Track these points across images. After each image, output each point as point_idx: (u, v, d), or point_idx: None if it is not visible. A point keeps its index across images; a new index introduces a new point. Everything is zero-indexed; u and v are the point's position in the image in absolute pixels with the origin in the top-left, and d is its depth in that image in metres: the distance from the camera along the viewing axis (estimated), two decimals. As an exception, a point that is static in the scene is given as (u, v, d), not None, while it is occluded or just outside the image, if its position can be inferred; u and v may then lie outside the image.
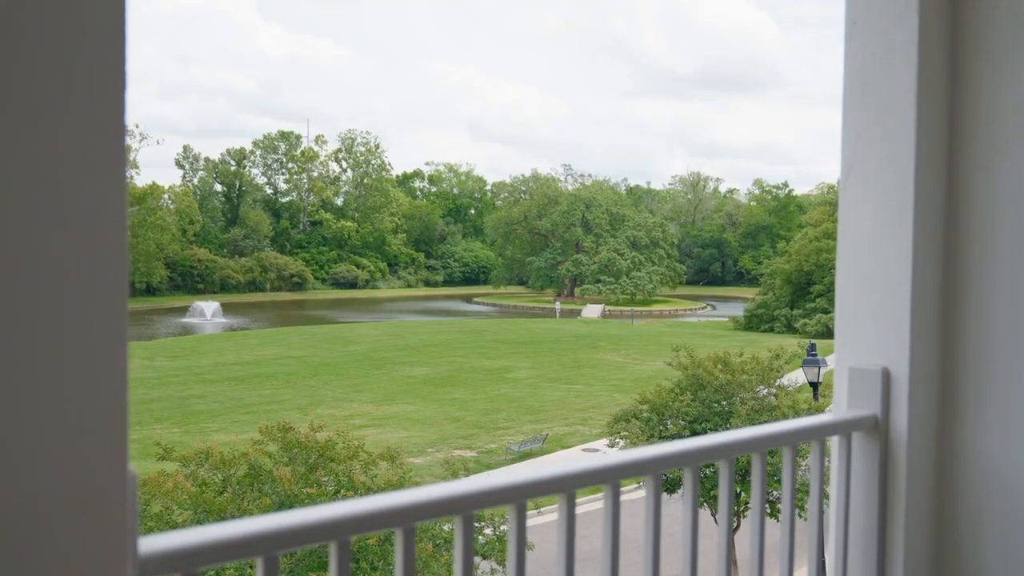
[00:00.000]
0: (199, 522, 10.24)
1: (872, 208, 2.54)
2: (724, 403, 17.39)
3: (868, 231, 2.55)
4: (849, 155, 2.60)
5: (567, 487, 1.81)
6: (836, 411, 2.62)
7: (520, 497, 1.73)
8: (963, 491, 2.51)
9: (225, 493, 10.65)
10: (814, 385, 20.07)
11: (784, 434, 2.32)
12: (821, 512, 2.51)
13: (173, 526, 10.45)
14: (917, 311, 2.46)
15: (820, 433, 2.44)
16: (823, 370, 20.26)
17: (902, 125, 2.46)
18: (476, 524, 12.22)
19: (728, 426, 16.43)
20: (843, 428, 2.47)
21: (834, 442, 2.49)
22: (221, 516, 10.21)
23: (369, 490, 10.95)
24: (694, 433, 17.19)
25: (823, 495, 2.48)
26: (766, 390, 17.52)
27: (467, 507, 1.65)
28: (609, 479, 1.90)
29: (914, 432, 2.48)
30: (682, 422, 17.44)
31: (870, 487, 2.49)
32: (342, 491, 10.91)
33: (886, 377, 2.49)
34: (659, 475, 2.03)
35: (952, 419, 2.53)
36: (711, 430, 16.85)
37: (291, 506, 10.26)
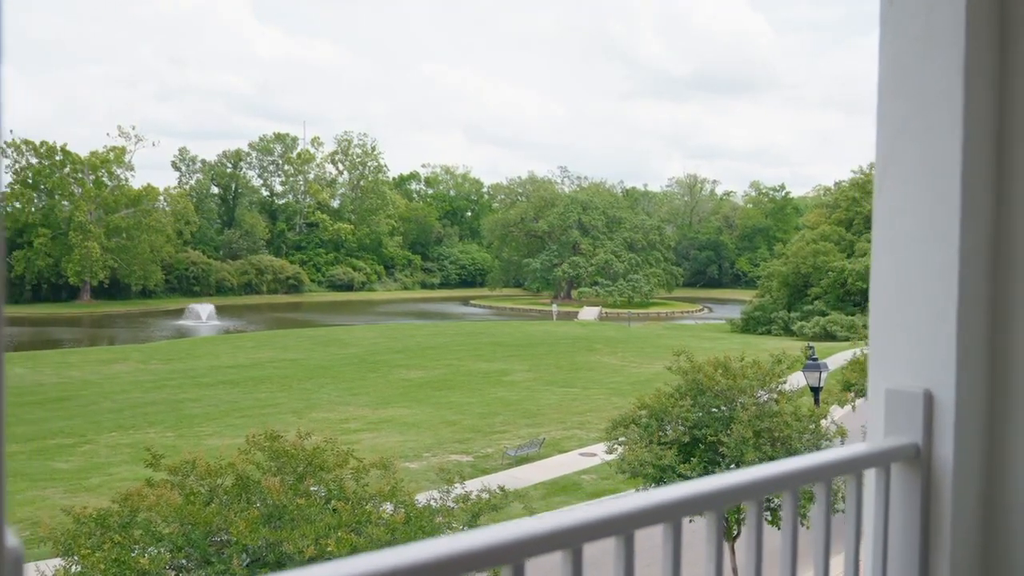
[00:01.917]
0: (185, 535, 9.98)
1: (912, 211, 2.25)
2: (724, 408, 17.12)
3: (908, 236, 2.26)
4: (885, 152, 2.32)
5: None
6: (871, 438, 2.34)
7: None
8: (1014, 528, 2.22)
9: (212, 504, 10.36)
10: (815, 390, 19.83)
11: (817, 469, 2.04)
12: (857, 554, 2.22)
13: (159, 539, 10.19)
14: (964, 326, 2.18)
15: (856, 466, 2.16)
16: (824, 374, 20.02)
17: (946, 117, 2.17)
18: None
19: (729, 432, 16.15)
20: (881, 459, 2.19)
21: (870, 475, 2.21)
22: (207, 528, 9.93)
23: (361, 500, 10.67)
24: (694, 439, 16.90)
25: (858, 535, 2.20)
26: (767, 395, 17.24)
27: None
28: (623, 528, 1.62)
29: (960, 462, 2.19)
30: (682, 428, 17.16)
31: (910, 524, 2.21)
32: (333, 501, 10.63)
33: (928, 400, 2.21)
34: (678, 521, 1.74)
35: (1002, 448, 2.25)
36: (711, 436, 16.57)
37: (280, 517, 10.00)
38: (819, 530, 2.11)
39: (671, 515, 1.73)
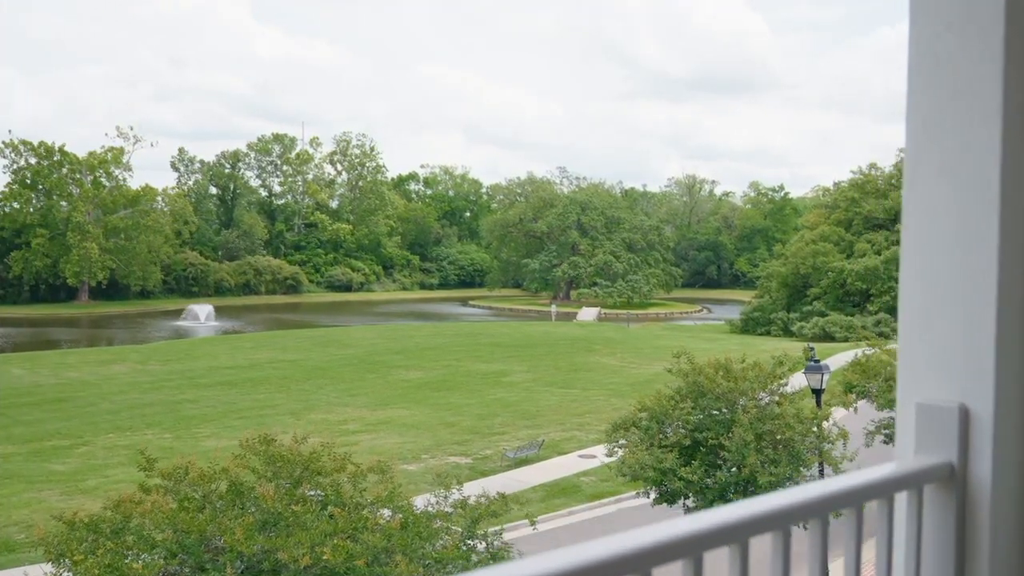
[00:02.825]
0: (179, 542, 9.79)
1: (946, 209, 2.08)
2: (725, 410, 16.94)
3: (942, 237, 2.09)
4: (916, 146, 2.14)
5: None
6: (900, 456, 2.16)
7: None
8: None
9: (205, 510, 10.17)
10: (817, 392, 19.65)
11: (846, 494, 1.86)
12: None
13: (152, 545, 10.01)
14: (1003, 334, 2.01)
15: (887, 489, 1.98)
16: (826, 376, 19.84)
17: (985, 108, 2.00)
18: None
19: (730, 435, 15.97)
20: (913, 480, 2.01)
21: (902, 498, 2.03)
22: (202, 535, 9.74)
23: (359, 506, 10.48)
24: (695, 442, 16.72)
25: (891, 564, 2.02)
26: (768, 397, 17.07)
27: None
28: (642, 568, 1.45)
29: (999, 483, 2.02)
30: (682, 430, 16.98)
31: (945, 549, 2.03)
32: (330, 507, 10.43)
33: (963, 416, 2.04)
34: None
35: None
36: (712, 439, 16.39)
37: (275, 524, 9.82)
38: (850, 559, 1.94)
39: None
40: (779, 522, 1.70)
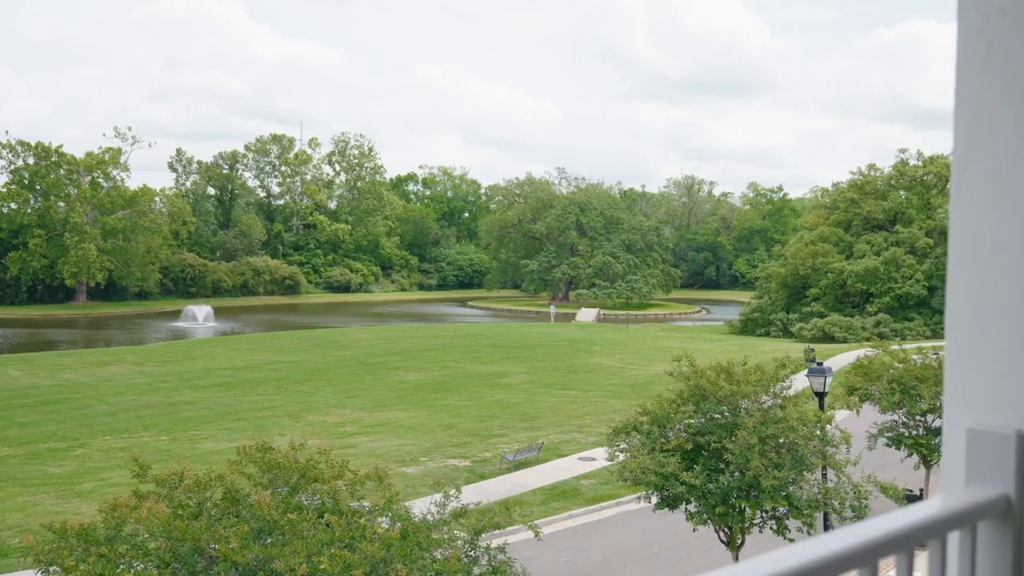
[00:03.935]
0: (172, 550, 9.58)
1: (999, 216, 1.87)
2: (728, 414, 16.74)
3: (996, 245, 1.88)
4: (966, 145, 1.93)
5: None
6: (949, 488, 1.96)
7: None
8: None
9: (200, 518, 9.93)
10: (820, 395, 19.46)
11: (896, 538, 1.66)
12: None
13: (145, 553, 9.78)
14: None
15: (940, 529, 1.77)
16: (829, 379, 19.64)
17: None
18: None
19: (733, 438, 15.77)
20: (966, 518, 1.80)
21: (953, 538, 1.82)
22: (195, 544, 9.51)
23: (356, 513, 10.24)
24: (697, 446, 16.52)
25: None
26: (770, 401, 16.86)
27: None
28: None
29: None
30: (684, 434, 16.78)
31: None
32: (326, 515, 10.20)
33: (1021, 443, 1.83)
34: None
35: None
36: (715, 442, 16.18)
37: (270, 533, 9.60)
38: None
39: None
40: (826, 572, 1.50)
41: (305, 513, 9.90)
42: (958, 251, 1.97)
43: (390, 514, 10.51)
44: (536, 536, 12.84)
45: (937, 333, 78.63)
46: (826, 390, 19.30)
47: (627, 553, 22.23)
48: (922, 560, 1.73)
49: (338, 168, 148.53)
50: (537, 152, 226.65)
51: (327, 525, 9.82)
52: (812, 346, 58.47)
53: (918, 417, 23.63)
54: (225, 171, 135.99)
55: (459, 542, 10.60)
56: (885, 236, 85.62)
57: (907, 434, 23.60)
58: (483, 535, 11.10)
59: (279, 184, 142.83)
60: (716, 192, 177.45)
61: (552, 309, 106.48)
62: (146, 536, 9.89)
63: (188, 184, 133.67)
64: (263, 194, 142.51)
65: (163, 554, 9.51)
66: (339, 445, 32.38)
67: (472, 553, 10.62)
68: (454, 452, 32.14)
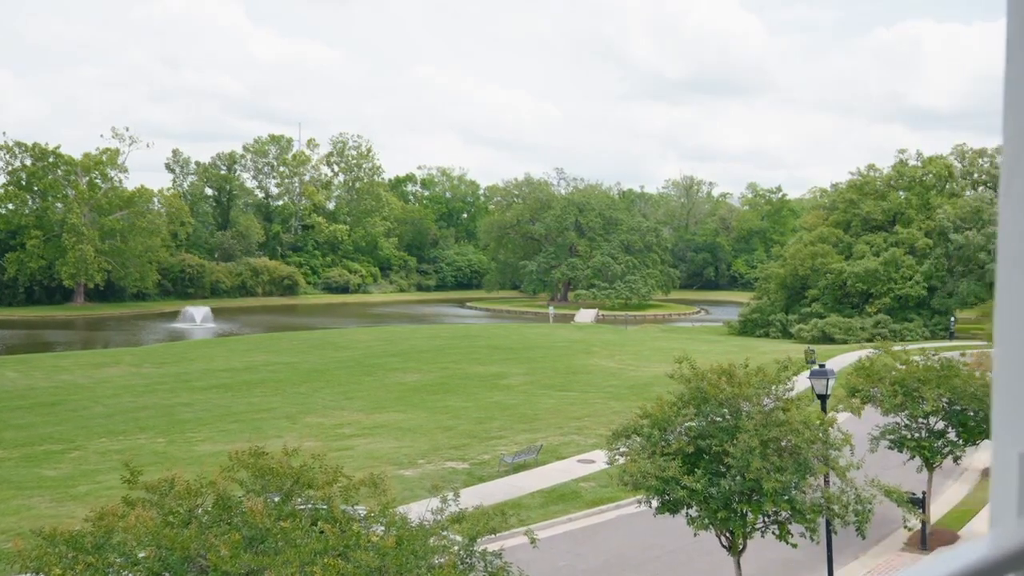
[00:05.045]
0: (162, 559, 9.35)
1: None
2: (729, 416, 16.52)
3: None
4: (1016, 143, 1.71)
5: None
6: (999, 519, 1.74)
7: None
8: None
9: (191, 526, 9.71)
10: (822, 397, 19.24)
11: None
12: None
13: (135, 562, 9.56)
14: None
15: (998, 571, 1.56)
16: (831, 381, 19.43)
17: None
18: None
19: (735, 441, 15.55)
20: (1022, 560, 1.59)
21: None
22: (185, 553, 9.28)
23: (350, 521, 10.01)
24: (698, 449, 16.30)
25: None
26: (772, 403, 16.65)
27: None
28: None
29: None
30: (685, 437, 16.56)
31: None
32: (320, 523, 9.98)
33: None
34: None
35: None
36: (716, 446, 15.97)
37: (263, 541, 9.33)
38: None
39: None
40: None
41: (298, 521, 9.68)
42: (1008, 258, 1.75)
43: (385, 521, 10.29)
44: (532, 543, 12.62)
45: (936, 334, 78.49)
46: (828, 392, 19.10)
47: (627, 557, 22.02)
48: None
49: (336, 169, 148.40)
50: (536, 152, 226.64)
51: (320, 533, 9.60)
52: (812, 348, 58.29)
53: (921, 419, 23.42)
54: (223, 172, 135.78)
55: (455, 548, 10.39)
56: (884, 237, 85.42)
57: (909, 436, 23.39)
58: (480, 540, 10.88)
59: (277, 185, 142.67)
60: (715, 193, 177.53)
61: (551, 310, 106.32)
62: (135, 545, 9.65)
63: (186, 185, 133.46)
64: (261, 195, 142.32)
65: (152, 564, 9.29)
66: (337, 447, 32.15)
67: (468, 560, 10.40)
68: (452, 454, 31.91)
